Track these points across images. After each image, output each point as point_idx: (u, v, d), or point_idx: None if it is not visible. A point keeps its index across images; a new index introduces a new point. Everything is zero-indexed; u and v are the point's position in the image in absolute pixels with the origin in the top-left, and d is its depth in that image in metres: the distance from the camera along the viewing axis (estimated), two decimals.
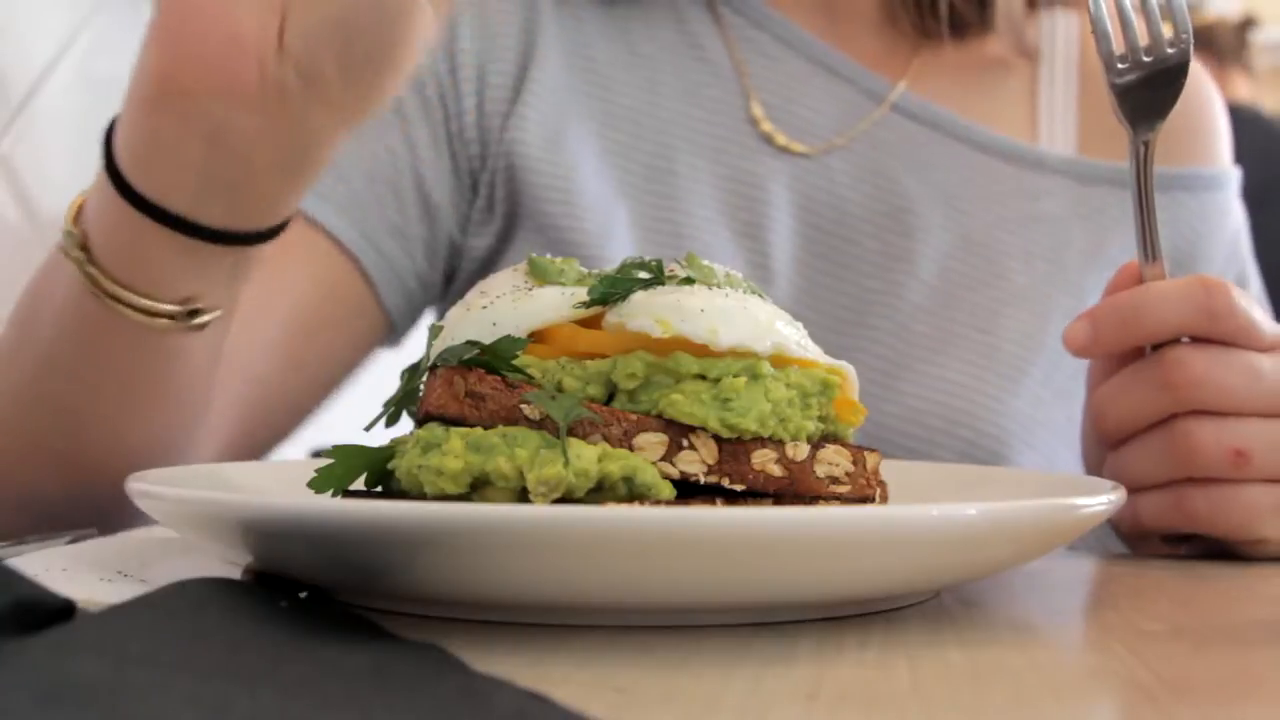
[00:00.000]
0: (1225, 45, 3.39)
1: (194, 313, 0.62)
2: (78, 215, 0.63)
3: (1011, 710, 0.38)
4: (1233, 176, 1.02)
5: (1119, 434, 0.69)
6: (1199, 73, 1.03)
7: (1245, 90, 3.36)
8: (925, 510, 0.45)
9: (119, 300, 0.61)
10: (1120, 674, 0.42)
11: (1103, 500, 0.51)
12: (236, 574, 0.49)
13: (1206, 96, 1.02)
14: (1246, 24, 3.53)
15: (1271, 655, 0.46)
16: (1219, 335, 0.66)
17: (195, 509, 0.49)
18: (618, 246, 0.89)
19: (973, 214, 0.94)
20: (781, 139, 0.94)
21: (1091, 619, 0.53)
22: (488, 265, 0.93)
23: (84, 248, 0.61)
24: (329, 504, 0.44)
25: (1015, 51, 1.00)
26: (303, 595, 0.47)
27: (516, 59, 0.94)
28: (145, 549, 0.59)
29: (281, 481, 0.62)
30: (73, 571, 0.53)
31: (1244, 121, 3.08)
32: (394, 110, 0.92)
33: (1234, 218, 1.01)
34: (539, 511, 0.42)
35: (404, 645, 0.40)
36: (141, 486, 0.51)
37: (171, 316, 0.62)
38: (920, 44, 0.99)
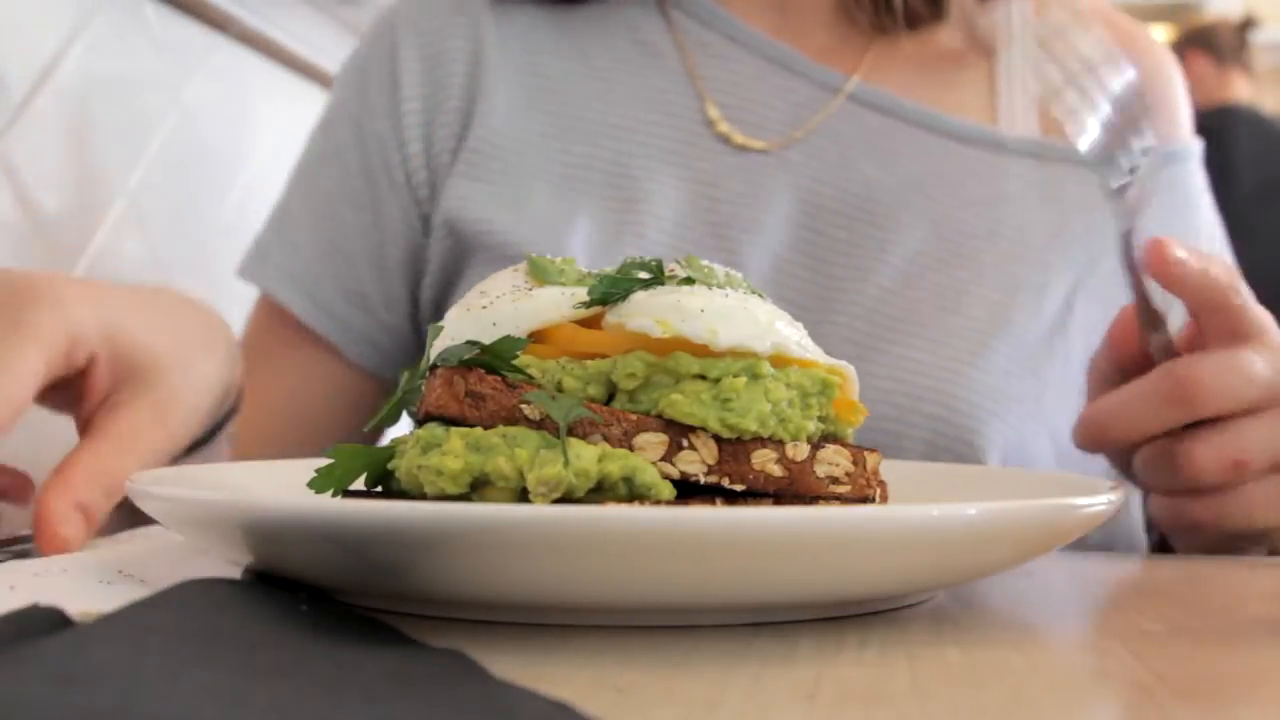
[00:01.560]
0: (1225, 46, 3.40)
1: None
2: None
3: (1011, 710, 0.38)
4: (1194, 150, 1.03)
5: (1121, 446, 0.70)
6: (1156, 47, 1.04)
7: (1245, 90, 3.37)
8: (925, 510, 0.45)
9: None
10: (1120, 674, 0.42)
11: (1102, 500, 0.51)
12: (237, 574, 0.49)
13: (1165, 72, 1.03)
14: (1246, 24, 3.54)
15: (1271, 655, 0.46)
16: (1203, 414, 0.67)
17: (195, 509, 0.49)
18: (575, 252, 0.90)
19: (936, 197, 0.95)
20: (739, 138, 0.95)
21: (1091, 619, 0.54)
22: (446, 286, 0.95)
23: None
24: (329, 504, 0.44)
25: (968, 43, 1.01)
26: (301, 595, 0.47)
27: (463, 94, 0.96)
28: (145, 549, 0.59)
29: (281, 482, 0.62)
30: (73, 572, 0.53)
31: (1244, 122, 3.09)
32: (341, 182, 0.97)
33: (1196, 191, 1.02)
34: (539, 511, 0.42)
35: (426, 650, 0.39)
36: (142, 487, 0.51)
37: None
38: (874, 37, 1.00)
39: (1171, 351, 0.69)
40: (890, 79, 0.99)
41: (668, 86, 0.97)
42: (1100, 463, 0.87)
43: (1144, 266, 0.69)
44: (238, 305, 1.03)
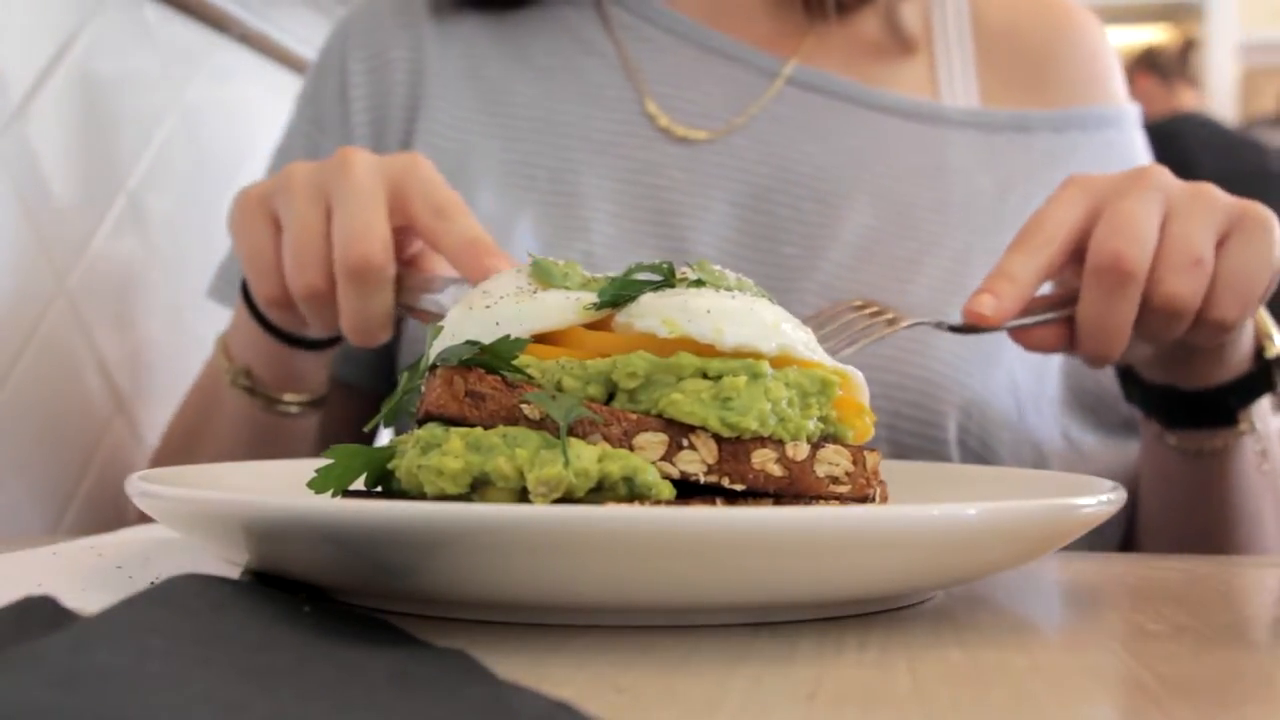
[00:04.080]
0: (1168, 65, 3.81)
1: (318, 400, 0.89)
2: (228, 352, 0.88)
3: (1012, 710, 0.38)
4: (1130, 113, 1.04)
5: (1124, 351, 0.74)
6: (1082, 14, 1.05)
7: (1193, 101, 3.77)
8: (926, 510, 0.45)
9: (279, 402, 0.87)
10: (1120, 674, 0.42)
11: (1102, 500, 0.51)
12: (235, 573, 0.49)
13: (1095, 38, 1.05)
14: (1188, 46, 3.96)
15: (1271, 655, 0.46)
16: (1145, 271, 0.71)
17: (195, 508, 0.49)
18: (521, 249, 0.91)
19: (882, 173, 0.96)
20: (680, 130, 0.97)
21: (1091, 619, 0.53)
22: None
23: (248, 376, 0.86)
24: (328, 503, 0.44)
25: (890, 34, 1.02)
26: (302, 596, 0.47)
27: (406, 102, 0.98)
28: (146, 547, 0.59)
29: (281, 482, 0.62)
30: (73, 569, 0.53)
31: (1196, 124, 3.35)
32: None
33: (1135, 153, 1.03)
34: (539, 511, 0.42)
35: (429, 650, 0.39)
36: (142, 486, 0.51)
37: (310, 404, 0.88)
38: (809, 25, 1.01)
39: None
40: (828, 62, 1.00)
41: (607, 82, 0.98)
42: (1051, 390, 0.89)
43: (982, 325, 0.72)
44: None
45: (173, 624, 0.37)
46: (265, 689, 0.33)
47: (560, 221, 0.93)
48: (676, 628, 0.47)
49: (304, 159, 0.99)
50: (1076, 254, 0.73)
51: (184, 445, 0.94)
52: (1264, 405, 0.82)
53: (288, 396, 0.87)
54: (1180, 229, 0.71)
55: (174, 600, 0.40)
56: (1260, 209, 0.73)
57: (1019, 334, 0.75)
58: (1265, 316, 0.80)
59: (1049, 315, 0.74)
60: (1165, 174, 0.73)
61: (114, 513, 1.01)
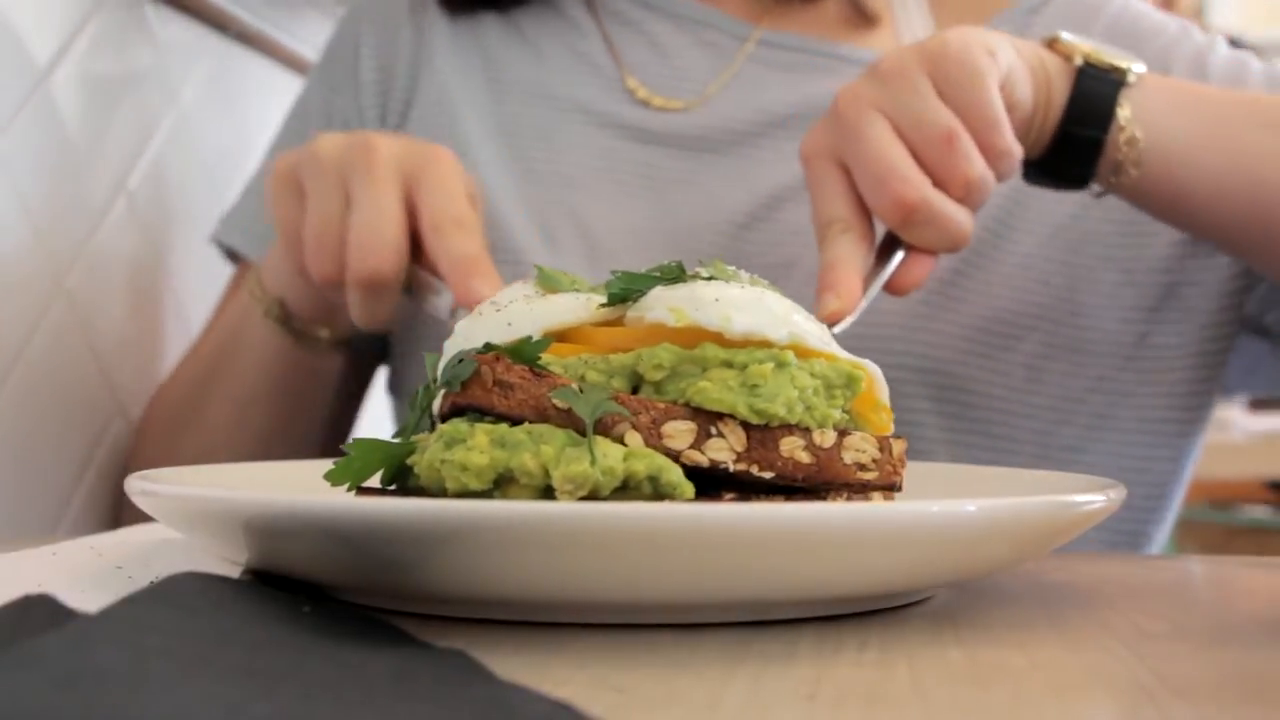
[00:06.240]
0: None
1: (345, 338, 0.93)
2: (262, 285, 0.92)
3: (1012, 710, 0.38)
4: None
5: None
6: None
7: None
8: (925, 507, 0.45)
9: (309, 335, 0.92)
10: (1120, 674, 0.42)
11: (1102, 498, 0.51)
12: (235, 573, 0.49)
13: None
14: None
15: (1271, 655, 0.45)
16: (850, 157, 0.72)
17: (196, 506, 0.49)
18: (508, 208, 0.95)
19: None
20: (659, 101, 1.00)
21: (1091, 619, 0.53)
22: None
23: (282, 307, 0.91)
24: (331, 500, 0.44)
25: (852, 7, 1.03)
26: (302, 596, 0.47)
27: (410, 58, 1.03)
28: (146, 547, 0.59)
29: (282, 482, 0.62)
30: (73, 569, 0.53)
31: None
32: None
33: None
34: (536, 509, 0.42)
35: (429, 650, 0.39)
36: (142, 484, 0.51)
37: (338, 340, 0.93)
38: (774, 3, 1.04)
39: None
40: (797, 27, 1.03)
41: (590, 51, 1.02)
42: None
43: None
44: None
45: (173, 623, 0.37)
46: (265, 689, 0.33)
47: (545, 181, 0.97)
48: (676, 628, 0.47)
49: (317, 116, 1.04)
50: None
51: (203, 383, 0.98)
52: (1135, 108, 0.77)
53: (320, 331, 0.92)
54: (907, 121, 0.70)
55: (174, 599, 0.40)
56: (940, 47, 0.72)
57: (888, 290, 0.74)
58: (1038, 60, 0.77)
59: (894, 261, 0.73)
60: (851, 89, 0.73)
61: (114, 513, 1.01)
